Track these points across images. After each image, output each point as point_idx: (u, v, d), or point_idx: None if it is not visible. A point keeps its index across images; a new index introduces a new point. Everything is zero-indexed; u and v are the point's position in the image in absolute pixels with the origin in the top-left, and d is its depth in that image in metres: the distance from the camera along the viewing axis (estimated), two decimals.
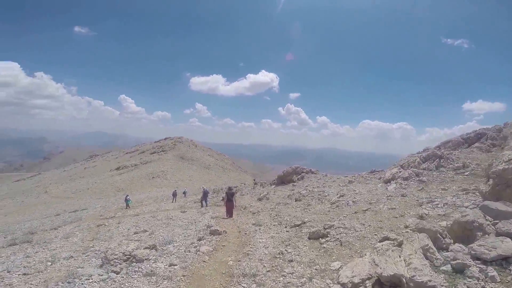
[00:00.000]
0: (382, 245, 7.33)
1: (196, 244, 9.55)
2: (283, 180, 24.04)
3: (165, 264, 7.75)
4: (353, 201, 12.57)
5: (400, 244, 6.72)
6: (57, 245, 12.30)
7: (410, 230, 7.86)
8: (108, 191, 52.42)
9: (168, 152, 79.69)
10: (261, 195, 19.54)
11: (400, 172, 15.89)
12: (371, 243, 7.84)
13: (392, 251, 5.91)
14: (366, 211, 10.71)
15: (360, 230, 8.78)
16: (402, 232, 7.95)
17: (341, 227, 9.24)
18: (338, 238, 8.50)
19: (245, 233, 11.06)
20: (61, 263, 9.29)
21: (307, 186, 19.95)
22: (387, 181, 16.25)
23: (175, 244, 9.80)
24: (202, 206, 20.69)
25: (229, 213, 15.11)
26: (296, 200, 15.81)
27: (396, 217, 9.40)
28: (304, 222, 10.92)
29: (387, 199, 11.89)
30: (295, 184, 22.01)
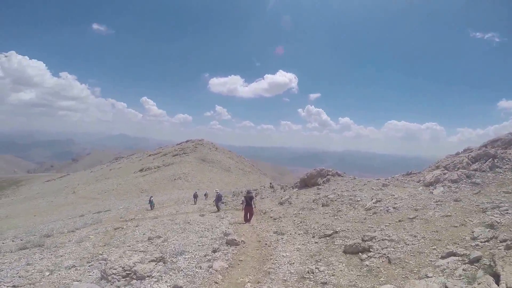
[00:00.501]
0: (448, 262, 5.60)
1: (209, 257, 8.12)
2: (307, 183, 22.27)
3: (168, 284, 6.34)
4: (393, 207, 10.70)
5: (473, 262, 5.01)
6: (66, 251, 11.40)
7: (481, 242, 6.05)
8: (132, 192, 53.24)
9: (189, 154, 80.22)
10: (283, 199, 17.92)
11: (445, 174, 13.77)
12: (430, 260, 6.09)
13: (478, 274, 4.16)
14: (414, 219, 8.84)
15: (412, 243, 7.00)
16: (471, 246, 6.12)
17: (385, 239, 7.47)
18: (384, 254, 6.77)
19: (266, 244, 9.48)
20: (60, 273, 8.20)
21: (334, 189, 18.12)
22: (429, 184, 14.20)
23: (187, 256, 8.43)
24: (218, 210, 19.48)
25: (248, 218, 14.07)
26: (323, 205, 14.07)
27: (456, 227, 7.50)
28: (336, 232, 9.23)
29: (436, 204, 9.94)
30: (320, 187, 20.19)
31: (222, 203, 20.35)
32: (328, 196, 14.80)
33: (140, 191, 53.74)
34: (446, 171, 14.67)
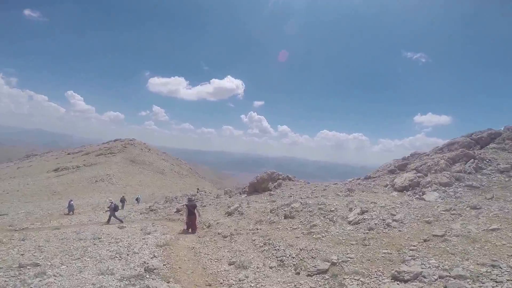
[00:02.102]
0: None
1: None
2: (257, 188, 18.78)
3: None
4: (393, 220, 7.81)
5: None
6: None
7: None
8: (41, 194, 44.09)
9: (116, 154, 70.70)
10: (231, 207, 14.03)
11: (421, 177, 11.68)
12: None
13: None
14: (448, 237, 5.93)
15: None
16: None
17: (447, 276, 4.22)
18: None
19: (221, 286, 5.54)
20: None
21: (290, 195, 14.99)
22: (403, 189, 12.02)
23: None
24: (108, 222, 15.57)
25: (191, 227, 11.88)
26: (286, 217, 10.65)
27: None
28: (335, 264, 5.83)
29: (451, 214, 7.38)
30: (272, 193, 16.87)
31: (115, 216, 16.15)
32: (292, 205, 11.39)
33: (51, 193, 44.75)
34: (419, 173, 12.68)
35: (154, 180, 58.53)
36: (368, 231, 7.55)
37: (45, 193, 43.72)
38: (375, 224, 7.87)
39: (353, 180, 17.56)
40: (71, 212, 21.15)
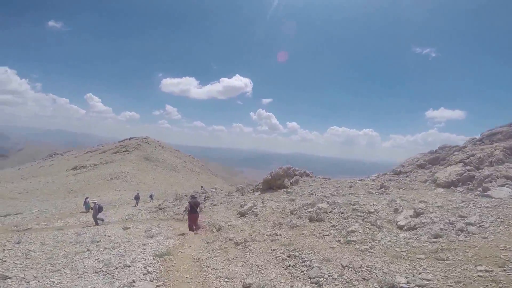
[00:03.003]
0: None
1: None
2: (272, 184, 16.63)
3: None
4: (469, 224, 5.61)
5: None
6: None
7: None
8: (59, 192, 43.71)
9: (131, 152, 69.99)
10: (244, 207, 11.93)
11: (471, 171, 9.35)
12: None
13: None
14: None
15: None
16: None
17: None
18: None
19: None
20: None
21: (312, 193, 12.80)
22: (449, 185, 9.70)
23: None
24: (97, 224, 14.06)
25: (193, 227, 10.81)
26: (312, 220, 8.51)
27: None
28: None
29: None
30: (289, 191, 14.68)
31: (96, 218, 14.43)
32: (318, 205, 9.19)
33: (68, 191, 44.28)
34: (469, 167, 10.30)
35: (167, 177, 57.36)
36: (435, 240, 5.38)
37: (62, 192, 43.16)
38: (441, 229, 5.69)
39: (380, 175, 15.24)
40: (87, 210, 20.35)
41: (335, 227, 7.52)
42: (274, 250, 6.67)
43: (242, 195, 17.72)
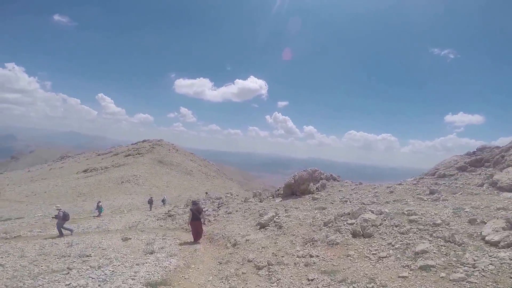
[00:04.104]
0: None
1: None
2: (294, 190, 14.89)
3: None
4: None
5: None
6: None
7: None
8: (67, 195, 44.04)
9: (144, 155, 70.02)
10: (264, 217, 10.24)
11: None
12: None
13: None
14: None
15: None
16: None
17: None
18: None
19: None
20: None
21: (345, 200, 10.98)
22: None
23: None
24: (61, 235, 12.47)
25: (196, 236, 10.29)
26: (357, 235, 6.74)
27: None
28: None
29: None
30: (316, 197, 12.89)
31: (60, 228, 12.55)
32: (362, 216, 7.32)
33: (77, 195, 44.47)
34: None
35: (181, 181, 56.60)
36: None
37: (71, 195, 43.24)
38: None
39: (419, 179, 13.28)
40: (99, 214, 20.50)
41: (393, 245, 5.75)
42: (312, 280, 4.99)
43: (261, 201, 16.08)
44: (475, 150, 15.09)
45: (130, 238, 11.22)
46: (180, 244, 9.75)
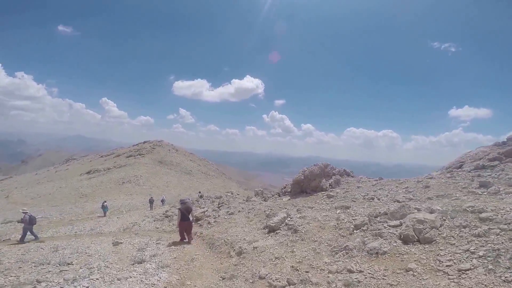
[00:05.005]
0: None
1: None
2: (304, 187, 12.91)
3: None
4: None
5: None
6: None
7: None
8: (70, 197, 42.90)
9: (145, 155, 68.28)
10: (273, 219, 8.16)
11: None
12: None
13: None
14: None
15: None
16: None
17: None
18: None
19: None
20: None
21: (371, 197, 9.02)
22: None
23: None
24: (21, 242, 10.76)
25: (185, 236, 9.25)
26: (409, 241, 4.79)
27: None
28: None
29: None
30: (331, 194, 10.90)
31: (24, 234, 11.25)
32: (416, 217, 5.14)
33: (79, 196, 43.18)
34: None
35: (181, 181, 54.95)
36: None
37: (73, 196, 41.91)
38: None
39: (446, 172, 11.40)
40: (105, 214, 20.20)
41: (473, 253, 3.84)
42: None
43: (265, 200, 14.11)
44: (505, 140, 13.59)
45: (121, 243, 9.34)
46: (174, 250, 7.81)
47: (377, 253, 4.68)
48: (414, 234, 4.84)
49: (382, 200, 8.22)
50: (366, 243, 5.11)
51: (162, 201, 26.72)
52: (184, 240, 9.11)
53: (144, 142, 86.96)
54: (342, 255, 4.94)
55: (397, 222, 5.55)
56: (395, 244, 4.82)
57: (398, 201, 7.69)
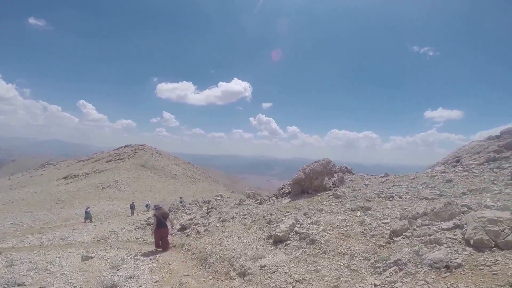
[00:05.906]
0: None
1: None
2: (306, 186, 11.47)
3: None
4: None
5: None
6: None
7: None
8: (45, 202, 40.21)
9: (126, 160, 65.30)
10: (281, 226, 6.61)
11: None
12: None
13: None
14: None
15: None
16: None
17: None
18: None
19: None
20: None
21: (389, 196, 7.72)
22: None
23: None
24: None
25: (161, 245, 8.48)
26: (484, 246, 3.52)
27: None
28: None
29: None
30: (338, 194, 9.54)
31: None
32: (485, 216, 3.89)
33: (55, 201, 40.59)
34: None
35: (166, 185, 52.68)
36: None
37: (49, 202, 39.19)
38: None
39: (453, 166, 10.43)
40: (88, 221, 19.47)
41: None
42: None
43: (261, 204, 12.62)
44: (499, 133, 13.11)
45: (92, 257, 7.61)
46: (157, 269, 6.16)
47: (447, 266, 3.33)
48: (488, 237, 3.54)
49: (405, 198, 6.94)
50: (421, 254, 3.76)
51: (147, 206, 25.81)
52: (158, 249, 8.35)
53: (126, 146, 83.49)
54: (394, 273, 3.56)
55: (450, 224, 4.25)
56: (466, 252, 3.51)
57: (427, 198, 6.44)
